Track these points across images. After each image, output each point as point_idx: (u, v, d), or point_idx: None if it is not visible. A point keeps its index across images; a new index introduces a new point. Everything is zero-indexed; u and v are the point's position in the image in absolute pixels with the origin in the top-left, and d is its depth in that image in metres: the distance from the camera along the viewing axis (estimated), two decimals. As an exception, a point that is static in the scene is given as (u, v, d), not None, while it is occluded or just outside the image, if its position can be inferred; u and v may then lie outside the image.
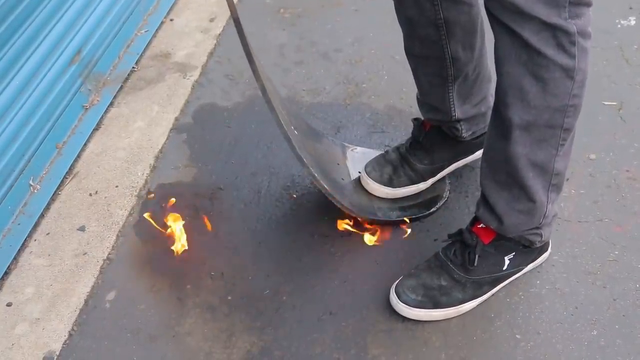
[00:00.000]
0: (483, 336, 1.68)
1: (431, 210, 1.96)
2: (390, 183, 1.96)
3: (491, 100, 1.77)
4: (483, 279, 1.70)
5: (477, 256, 1.68)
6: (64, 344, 1.70)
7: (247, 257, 1.89)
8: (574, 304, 1.72)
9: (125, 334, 1.73)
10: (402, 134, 2.19)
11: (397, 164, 1.98)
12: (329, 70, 2.51)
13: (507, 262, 1.71)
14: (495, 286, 1.73)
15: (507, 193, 1.60)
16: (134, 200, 2.04)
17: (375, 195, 1.98)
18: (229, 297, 1.79)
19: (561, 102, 1.46)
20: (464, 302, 1.71)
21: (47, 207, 2.03)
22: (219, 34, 2.70)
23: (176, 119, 2.32)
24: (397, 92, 2.36)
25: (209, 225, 1.97)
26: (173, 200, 2.02)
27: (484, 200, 1.66)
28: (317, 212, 1.99)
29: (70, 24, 2.29)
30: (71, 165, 2.15)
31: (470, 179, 2.04)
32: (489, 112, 1.68)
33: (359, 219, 1.92)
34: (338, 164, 2.04)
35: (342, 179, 2.00)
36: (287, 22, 2.79)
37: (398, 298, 1.70)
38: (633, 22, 2.60)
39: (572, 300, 1.73)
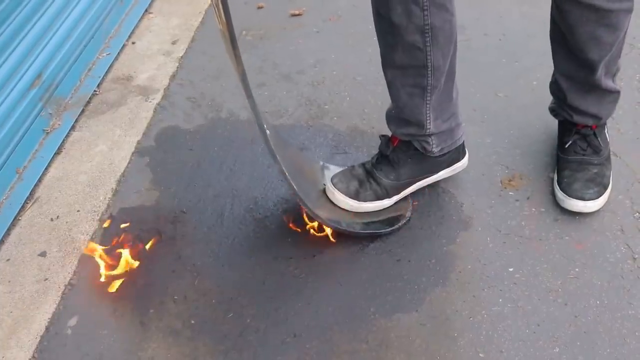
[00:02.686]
0: (447, 355, 1.68)
1: (393, 228, 1.97)
2: (356, 196, 1.97)
3: (459, 118, 1.99)
4: (607, 153, 2.06)
5: (599, 139, 2.02)
6: (24, 371, 1.68)
7: (211, 281, 1.88)
8: (536, 321, 1.74)
9: (88, 360, 1.71)
10: (365, 154, 2.20)
11: (364, 179, 2.00)
12: (291, 92, 2.52)
13: (607, 134, 2.09)
14: (610, 158, 2.08)
15: (594, 97, 1.96)
16: (95, 224, 2.03)
17: (339, 207, 1.98)
18: (192, 321, 1.78)
19: (624, 30, 1.79)
20: (610, 177, 2.04)
21: (8, 233, 2.01)
22: (181, 57, 2.70)
23: (138, 142, 2.31)
24: (359, 113, 2.38)
25: (171, 249, 1.96)
26: (135, 224, 2.01)
27: (575, 110, 1.99)
28: (281, 234, 1.98)
29: (30, 48, 2.28)
30: (32, 190, 2.13)
31: (433, 199, 2.06)
32: (456, 130, 1.99)
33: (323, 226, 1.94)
34: (313, 173, 2.06)
35: (312, 188, 2.01)
36: (249, 44, 2.80)
37: (583, 199, 1.95)
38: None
39: (534, 318, 1.74)
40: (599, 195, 1.96)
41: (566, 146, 2.04)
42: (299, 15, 2.97)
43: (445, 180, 2.10)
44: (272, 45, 2.79)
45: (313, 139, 2.30)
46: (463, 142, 2.05)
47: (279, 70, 2.64)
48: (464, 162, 2.09)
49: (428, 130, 1.92)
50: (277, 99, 2.48)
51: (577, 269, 1.85)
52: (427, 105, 1.87)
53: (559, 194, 1.99)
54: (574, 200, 1.95)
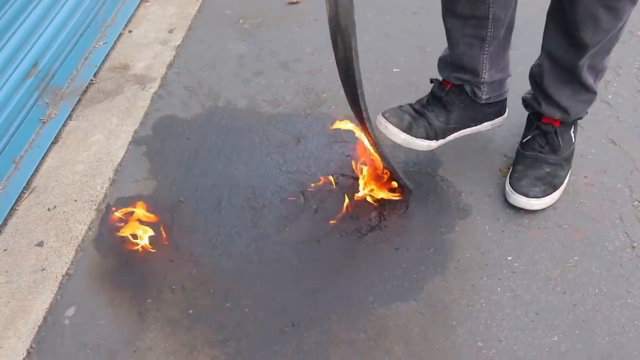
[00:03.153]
0: (445, 344, 1.68)
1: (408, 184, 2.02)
2: (409, 130, 2.00)
3: (510, 70, 2.05)
4: (568, 153, 2.02)
5: (559, 139, 1.99)
6: (22, 362, 1.68)
7: (208, 270, 1.87)
8: (535, 310, 1.73)
9: (85, 350, 1.71)
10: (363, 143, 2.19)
11: (415, 116, 2.04)
12: (288, 80, 2.51)
13: (573, 135, 2.04)
14: (571, 159, 2.05)
15: (569, 89, 1.91)
16: (93, 214, 2.02)
17: (380, 127, 2.01)
18: (190, 311, 1.78)
19: (623, 21, 1.74)
20: (565, 178, 2.00)
21: (5, 223, 2.01)
22: (178, 45, 2.69)
23: (135, 131, 2.30)
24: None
25: (169, 238, 1.95)
26: (133, 213, 2.00)
27: (547, 99, 1.95)
28: (278, 223, 1.98)
29: (26, 37, 2.27)
30: (29, 180, 2.13)
31: (431, 188, 2.05)
32: (505, 82, 2.06)
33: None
34: None
35: None
36: (246, 32, 2.78)
37: (527, 196, 1.93)
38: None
39: (533, 306, 1.74)
40: (545, 194, 1.95)
41: (524, 140, 2.03)
42: (296, 3, 2.95)
43: (443, 168, 2.10)
44: (269, 33, 2.77)
45: (311, 127, 2.29)
46: (506, 97, 2.11)
47: (276, 59, 2.62)
48: (504, 117, 2.16)
49: (482, 79, 1.99)
50: (274, 88, 2.47)
51: (575, 258, 1.85)
52: (485, 55, 1.94)
53: (507, 187, 1.99)
54: (518, 195, 1.95)
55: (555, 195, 1.97)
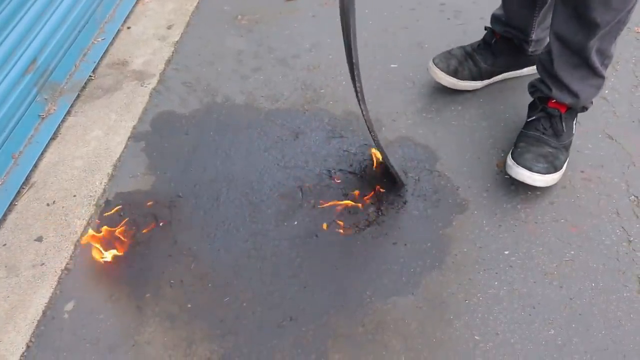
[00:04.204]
0: (442, 338, 1.69)
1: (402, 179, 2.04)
2: (455, 74, 2.24)
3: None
4: (568, 142, 2.04)
5: (563, 124, 2.01)
6: (21, 356, 1.69)
7: (207, 265, 1.88)
8: (532, 304, 1.74)
9: (84, 344, 1.71)
10: (361, 138, 2.20)
11: (462, 59, 2.27)
12: (287, 76, 2.51)
13: (574, 125, 2.07)
14: (569, 149, 2.06)
15: (579, 73, 1.94)
16: (92, 209, 2.03)
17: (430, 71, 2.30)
18: (189, 305, 1.79)
19: (633, 2, 1.76)
20: (564, 163, 2.02)
21: (4, 218, 2.01)
22: (177, 42, 2.69)
23: (134, 127, 2.31)
24: (355, 97, 2.36)
25: (167, 233, 1.96)
26: (131, 209, 2.01)
27: (558, 83, 1.98)
28: (276, 218, 1.99)
29: (24, 33, 2.27)
30: (28, 176, 2.13)
31: (428, 183, 2.06)
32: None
33: None
34: None
35: None
36: (244, 28, 2.79)
37: (530, 170, 1.94)
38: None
39: (530, 300, 1.75)
40: (547, 171, 1.96)
41: (529, 120, 2.07)
42: (294, -1, 2.96)
43: (441, 163, 2.10)
44: (268, 29, 2.78)
45: (309, 123, 2.29)
46: None
47: (274, 55, 2.63)
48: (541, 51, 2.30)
49: (531, 38, 2.20)
50: (272, 84, 2.48)
51: (572, 252, 1.86)
52: (535, 18, 2.11)
53: (509, 160, 2.00)
54: (521, 168, 1.95)
55: (556, 176, 1.98)
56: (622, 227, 1.91)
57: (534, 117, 2.05)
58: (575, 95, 1.98)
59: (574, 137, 2.07)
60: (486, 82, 2.32)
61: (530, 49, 2.25)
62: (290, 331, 1.72)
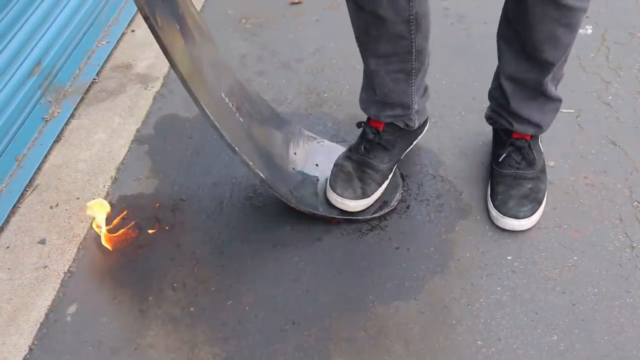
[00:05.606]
0: (445, 343, 1.69)
1: (374, 215, 1.99)
2: (364, 194, 1.97)
3: (428, 89, 2.05)
4: (542, 165, 2.01)
5: (533, 151, 1.98)
6: (24, 358, 1.69)
7: (210, 268, 1.88)
8: (534, 309, 1.74)
9: (87, 347, 1.71)
10: (364, 143, 2.20)
11: (360, 173, 1.99)
12: (290, 80, 2.52)
13: (541, 145, 2.05)
14: (545, 168, 2.04)
15: (536, 103, 1.91)
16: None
17: (339, 207, 1.97)
18: (192, 308, 1.79)
19: (578, 31, 1.75)
20: (545, 190, 1.99)
21: (7, 221, 2.01)
22: (181, 45, 2.70)
23: (137, 130, 2.31)
24: (359, 101, 2.37)
25: (170, 237, 1.96)
26: (134, 212, 2.01)
27: (518, 118, 1.94)
28: (280, 222, 1.99)
29: (29, 35, 2.28)
30: (31, 178, 2.14)
31: (431, 188, 2.06)
32: (427, 99, 2.06)
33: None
34: (295, 154, 2.05)
35: (293, 169, 2.01)
36: (248, 32, 2.79)
37: (517, 218, 1.90)
38: (590, 31, 2.64)
39: (532, 306, 1.75)
40: (533, 212, 1.92)
41: (500, 159, 1.99)
42: (298, 3, 2.96)
43: (444, 168, 2.11)
44: (271, 33, 2.78)
45: (312, 127, 2.29)
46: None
47: (278, 59, 2.63)
48: (428, 125, 2.18)
49: (414, 110, 1.97)
50: (276, 87, 2.48)
51: (575, 258, 1.85)
52: (412, 87, 1.92)
53: (493, 212, 1.94)
54: (509, 219, 1.91)
55: (541, 210, 1.95)
56: (625, 233, 1.91)
57: (504, 155, 1.99)
58: (537, 125, 1.96)
59: (543, 155, 2.05)
60: (390, 177, 2.05)
61: (416, 124, 2.03)
62: (293, 335, 1.72)
